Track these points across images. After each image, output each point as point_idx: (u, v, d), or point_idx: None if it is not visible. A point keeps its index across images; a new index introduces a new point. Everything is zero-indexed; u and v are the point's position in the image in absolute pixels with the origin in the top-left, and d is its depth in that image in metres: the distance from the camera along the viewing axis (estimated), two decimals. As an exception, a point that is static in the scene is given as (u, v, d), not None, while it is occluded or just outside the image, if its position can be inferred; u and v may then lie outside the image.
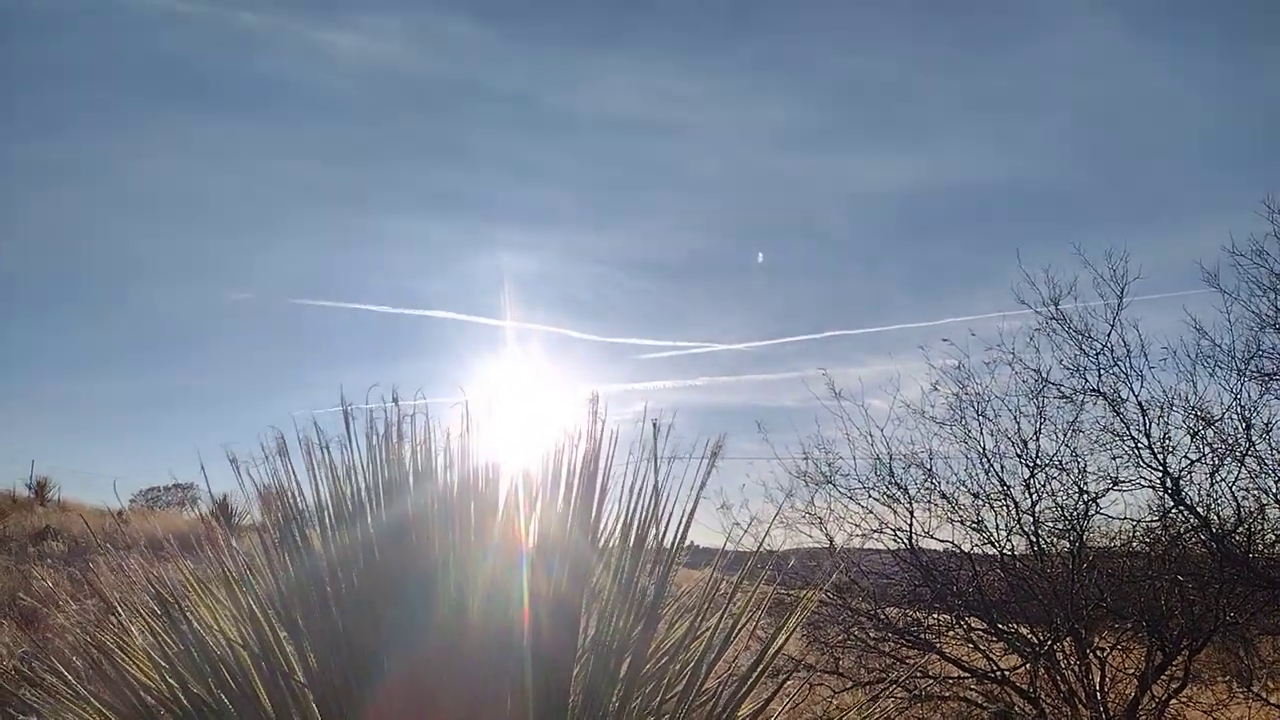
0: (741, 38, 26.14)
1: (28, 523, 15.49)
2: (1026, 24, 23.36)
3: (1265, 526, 6.64)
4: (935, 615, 7.62)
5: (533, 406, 2.51)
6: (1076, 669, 6.82)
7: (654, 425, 2.44)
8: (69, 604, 2.38)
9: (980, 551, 7.39)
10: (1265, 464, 6.33)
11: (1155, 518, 7.03)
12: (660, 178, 28.67)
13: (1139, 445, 6.61)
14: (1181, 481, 6.52)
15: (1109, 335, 6.75)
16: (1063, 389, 6.99)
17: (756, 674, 2.20)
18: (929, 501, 7.45)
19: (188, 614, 2.12)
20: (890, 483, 7.52)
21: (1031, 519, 7.09)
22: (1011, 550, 7.26)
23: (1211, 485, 6.51)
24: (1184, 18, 23.39)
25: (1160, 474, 6.56)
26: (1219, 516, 6.60)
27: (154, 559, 2.32)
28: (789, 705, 2.38)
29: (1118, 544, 7.35)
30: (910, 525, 7.46)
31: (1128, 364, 6.70)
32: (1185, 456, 6.55)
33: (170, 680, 2.04)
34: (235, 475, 2.16)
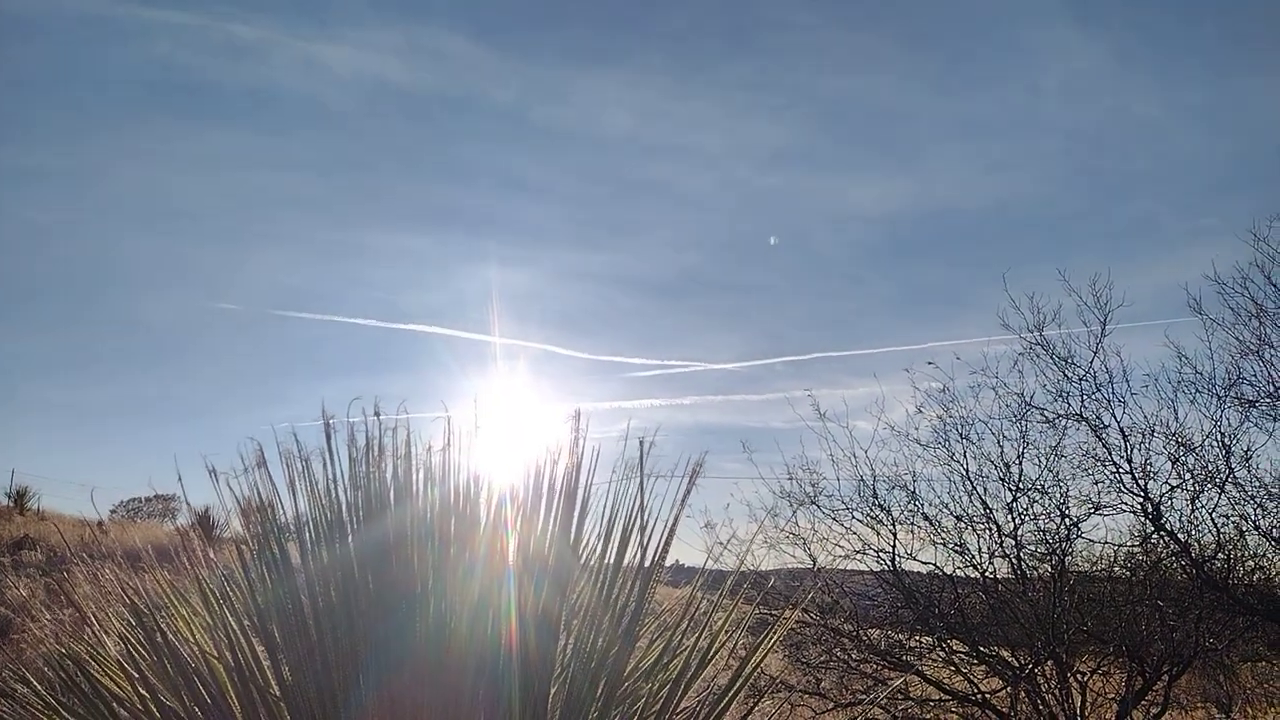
0: (734, 59, 26.41)
1: (5, 532, 15.30)
2: (1015, 52, 23.69)
3: (1244, 553, 6.68)
4: (917, 637, 7.62)
5: (519, 423, 2.51)
6: (1057, 693, 6.83)
7: (640, 442, 2.45)
8: (43, 614, 2.35)
9: (962, 574, 7.40)
10: (1245, 491, 6.38)
11: (1136, 543, 7.07)
12: (651, 196, 28.84)
13: (1120, 470, 6.66)
14: (1162, 507, 6.56)
15: (1092, 361, 6.81)
16: (1046, 414, 7.04)
17: (733, 691, 2.20)
18: (912, 523, 7.47)
19: (162, 625, 2.11)
20: (874, 504, 7.53)
21: (1014, 542, 7.11)
22: (993, 573, 7.28)
23: (1192, 511, 6.56)
24: (1169, 50, 23.77)
25: (1141, 499, 6.60)
26: (1199, 543, 6.64)
27: (131, 570, 2.30)
28: (768, 725, 2.38)
29: (1099, 568, 7.38)
30: (893, 547, 7.47)
31: (1110, 390, 6.76)
32: (1166, 482, 6.60)
33: (142, 691, 2.02)
34: (214, 487, 2.14)
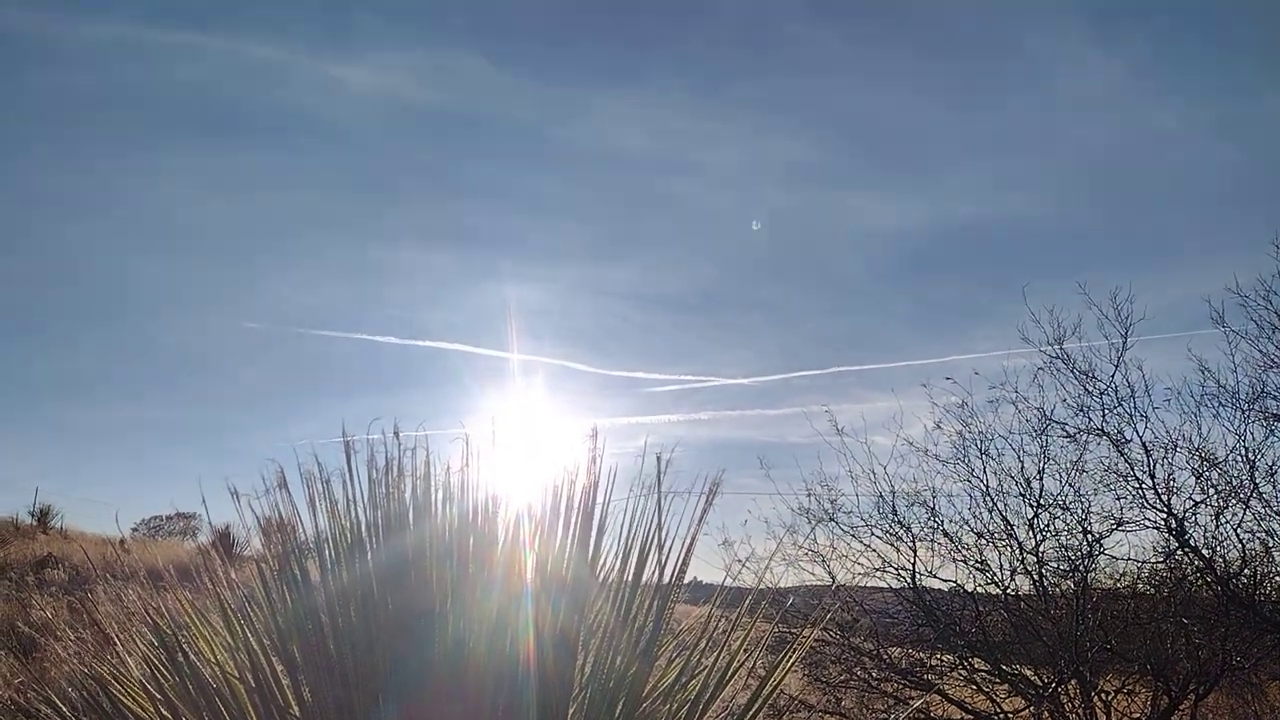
0: (749, 77, 26.48)
1: (29, 551, 15.45)
2: (1032, 66, 23.65)
3: (1271, 569, 6.58)
4: (938, 656, 7.54)
5: (537, 439, 2.51)
6: (1081, 713, 6.73)
7: (657, 459, 2.45)
8: (67, 634, 2.37)
9: (984, 591, 7.33)
10: (1270, 506, 6.30)
11: (1160, 559, 6.98)
12: (667, 213, 28.86)
13: (1143, 486, 6.58)
14: (1186, 523, 6.48)
15: (1113, 375, 6.75)
16: (1066, 428, 6.98)
17: (753, 711, 2.19)
18: (932, 540, 7.41)
19: (184, 645, 2.12)
20: (893, 520, 7.49)
21: (1035, 559, 7.04)
22: (1015, 591, 7.20)
23: (1216, 527, 6.47)
24: (1187, 61, 23.66)
25: (1165, 515, 6.52)
26: (1224, 559, 6.55)
27: (153, 589, 2.32)
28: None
29: (1122, 585, 7.29)
30: (913, 564, 7.42)
31: (1131, 404, 6.69)
32: (1190, 498, 6.51)
33: (165, 712, 2.03)
34: (235, 507, 2.16)
